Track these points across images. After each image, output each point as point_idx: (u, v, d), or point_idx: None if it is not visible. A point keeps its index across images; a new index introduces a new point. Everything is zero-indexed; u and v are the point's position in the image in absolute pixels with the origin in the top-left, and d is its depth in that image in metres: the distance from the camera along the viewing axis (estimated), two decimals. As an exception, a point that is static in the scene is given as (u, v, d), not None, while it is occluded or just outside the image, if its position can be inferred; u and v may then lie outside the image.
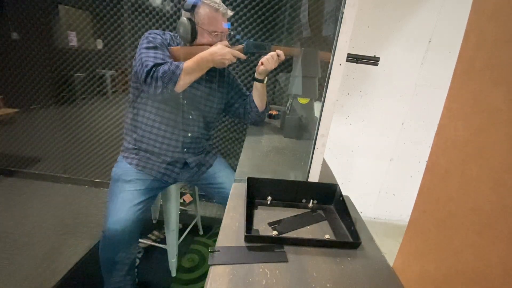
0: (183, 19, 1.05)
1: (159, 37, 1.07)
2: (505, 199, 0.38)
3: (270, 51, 1.11)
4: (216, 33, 1.08)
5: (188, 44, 1.11)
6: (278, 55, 1.11)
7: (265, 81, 1.21)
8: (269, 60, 1.10)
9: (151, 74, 0.96)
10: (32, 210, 1.82)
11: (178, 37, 1.14)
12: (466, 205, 0.46)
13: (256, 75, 1.19)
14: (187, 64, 0.99)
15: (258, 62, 1.15)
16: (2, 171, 2.19)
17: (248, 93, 1.33)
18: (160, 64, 0.98)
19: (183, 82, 1.00)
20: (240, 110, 1.31)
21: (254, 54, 1.14)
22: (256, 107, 1.26)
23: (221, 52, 1.02)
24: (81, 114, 2.02)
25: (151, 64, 0.97)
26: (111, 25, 1.78)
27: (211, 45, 1.06)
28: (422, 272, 0.56)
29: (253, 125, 1.43)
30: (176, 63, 0.99)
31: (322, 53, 1.17)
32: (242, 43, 1.12)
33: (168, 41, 1.10)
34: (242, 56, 1.10)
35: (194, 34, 1.06)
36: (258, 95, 1.23)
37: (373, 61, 1.10)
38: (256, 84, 1.21)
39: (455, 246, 0.47)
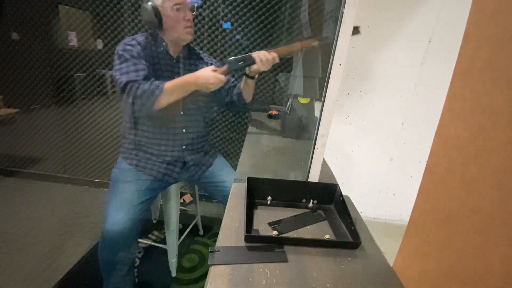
0: (144, 4, 1.02)
1: (128, 47, 1.03)
2: (505, 199, 0.38)
3: (251, 61, 1.06)
4: (177, 5, 1.03)
5: (157, 29, 1.08)
6: (273, 58, 1.07)
7: (255, 77, 1.18)
8: (263, 62, 1.06)
9: (127, 90, 0.96)
10: (32, 210, 1.82)
11: (151, 35, 1.11)
12: (466, 205, 0.46)
13: (247, 71, 1.14)
14: (169, 85, 0.97)
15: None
16: (2, 171, 2.19)
17: (234, 82, 1.30)
18: (134, 81, 0.97)
19: (162, 103, 0.98)
20: (226, 99, 1.28)
21: (241, 70, 1.11)
22: (244, 100, 1.24)
23: (205, 75, 0.99)
24: (81, 114, 2.02)
25: (124, 80, 0.96)
26: (111, 25, 1.78)
27: (177, 26, 1.04)
28: (422, 272, 0.56)
29: (236, 113, 1.39)
30: (157, 82, 0.97)
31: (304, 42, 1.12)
32: (226, 62, 1.07)
33: (142, 45, 1.06)
34: (224, 78, 1.04)
35: (158, 15, 1.03)
36: (247, 89, 1.20)
37: (354, 30, 1.05)
38: (246, 80, 1.17)
39: (456, 246, 0.47)
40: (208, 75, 0.99)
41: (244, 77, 1.18)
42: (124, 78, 0.97)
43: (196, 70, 1.20)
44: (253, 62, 1.05)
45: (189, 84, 1.00)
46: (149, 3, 1.02)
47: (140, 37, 1.09)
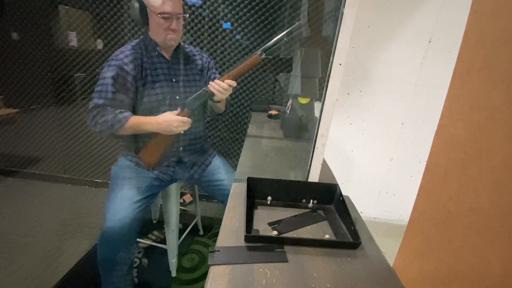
0: (133, 2, 1.02)
1: (117, 64, 1.03)
2: (504, 199, 0.38)
3: (209, 93, 1.05)
4: (165, 15, 1.01)
5: (143, 27, 1.09)
6: (228, 85, 1.05)
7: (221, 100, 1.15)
8: (221, 92, 1.04)
9: (93, 114, 1.00)
10: (32, 210, 1.82)
11: (145, 39, 1.11)
12: (465, 205, 0.46)
13: (213, 99, 1.11)
14: (130, 123, 1.01)
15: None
16: (2, 171, 2.19)
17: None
18: (103, 105, 1.01)
19: (120, 133, 1.03)
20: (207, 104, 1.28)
21: (200, 106, 1.10)
22: (215, 112, 1.26)
23: (167, 119, 1.02)
24: (81, 114, 2.02)
25: (94, 101, 1.01)
26: (111, 25, 1.78)
27: (162, 31, 1.04)
28: (422, 272, 0.56)
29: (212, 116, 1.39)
30: (120, 116, 1.00)
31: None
32: (185, 105, 1.06)
33: (134, 52, 1.06)
34: (189, 120, 1.05)
35: (144, 16, 1.02)
36: (217, 108, 1.21)
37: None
38: (213, 104, 1.17)
39: (455, 246, 0.47)
40: (171, 119, 1.02)
41: (211, 102, 1.17)
42: (95, 100, 1.01)
43: (190, 70, 1.20)
44: (211, 95, 1.05)
45: (151, 126, 1.03)
46: (138, 3, 1.01)
47: (131, 46, 1.09)
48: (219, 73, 1.34)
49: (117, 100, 1.03)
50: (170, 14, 1.02)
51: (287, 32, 1.02)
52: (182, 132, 1.17)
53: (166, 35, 1.06)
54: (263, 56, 1.03)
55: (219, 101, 1.12)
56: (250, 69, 1.05)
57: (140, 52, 1.08)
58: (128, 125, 1.01)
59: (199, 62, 1.25)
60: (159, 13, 1.01)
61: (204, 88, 1.06)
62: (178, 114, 1.05)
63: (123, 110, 1.03)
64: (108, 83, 1.01)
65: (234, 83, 1.05)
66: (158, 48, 1.11)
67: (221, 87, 1.03)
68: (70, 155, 2.13)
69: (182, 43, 1.20)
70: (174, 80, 1.15)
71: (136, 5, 1.01)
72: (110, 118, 0.99)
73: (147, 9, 1.02)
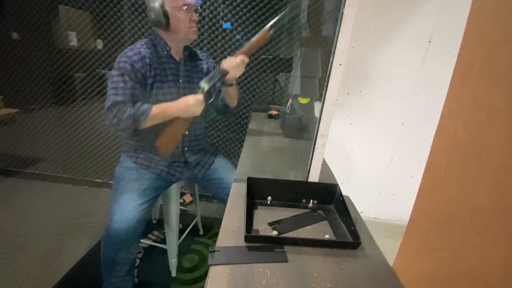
0: (152, 3, 1.03)
1: (128, 66, 1.03)
2: (504, 199, 0.38)
3: (222, 71, 1.04)
4: (186, 5, 1.05)
5: (163, 30, 1.08)
6: (241, 60, 1.04)
7: (233, 84, 1.14)
8: (235, 69, 1.04)
9: (113, 111, 0.98)
10: (32, 210, 1.82)
11: (146, 45, 1.11)
12: (465, 205, 0.46)
13: (223, 81, 1.10)
14: (154, 112, 1.00)
15: (256, 62, 1.11)
16: (2, 171, 2.19)
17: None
18: (122, 102, 0.99)
19: (146, 125, 1.02)
20: (215, 103, 1.27)
21: (214, 86, 1.09)
22: (227, 105, 1.23)
23: (184, 100, 1.02)
24: (81, 114, 2.02)
25: (112, 99, 0.99)
26: (111, 25, 1.78)
27: (184, 24, 1.06)
28: (422, 272, 0.56)
29: (222, 115, 1.37)
30: (143, 108, 0.99)
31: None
32: (199, 87, 1.05)
33: (143, 53, 1.06)
34: (202, 101, 1.04)
35: (165, 15, 1.04)
36: (230, 96, 1.19)
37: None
38: (225, 89, 1.15)
39: (455, 246, 0.47)
40: (187, 98, 1.02)
41: (223, 88, 1.16)
42: (112, 97, 0.99)
43: (196, 72, 1.21)
44: (224, 73, 1.05)
45: (173, 110, 1.02)
46: (157, 3, 1.02)
47: (140, 45, 1.09)
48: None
49: (134, 95, 1.03)
50: (191, 5, 1.06)
51: (291, 8, 1.03)
52: (187, 133, 1.17)
53: (189, 28, 1.08)
54: (271, 32, 1.02)
55: (231, 85, 1.12)
56: (260, 45, 1.05)
57: (149, 51, 1.09)
58: (152, 114, 1.00)
59: (205, 65, 1.26)
60: (184, 5, 1.04)
61: (217, 67, 1.06)
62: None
63: (142, 103, 1.03)
64: (120, 80, 1.02)
65: (246, 59, 1.05)
66: (168, 48, 1.12)
67: (234, 62, 1.03)
68: (70, 155, 2.13)
69: (190, 45, 1.21)
70: (181, 81, 1.15)
71: (157, 5, 1.02)
72: (134, 112, 0.98)
73: (168, 8, 1.04)
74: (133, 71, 1.03)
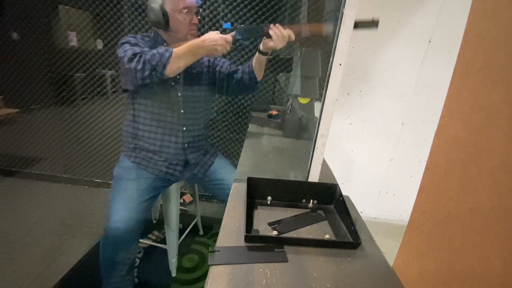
0: (151, 4, 1.03)
1: (132, 38, 1.06)
2: (504, 199, 0.38)
3: (264, 33, 1.02)
4: (186, 8, 1.05)
5: (162, 30, 1.09)
6: (288, 34, 1.01)
7: (268, 54, 1.13)
8: (278, 38, 1.00)
9: (136, 58, 0.94)
10: (32, 210, 1.82)
11: (147, 37, 1.13)
12: (465, 205, 0.46)
13: (261, 48, 1.09)
14: (177, 49, 0.97)
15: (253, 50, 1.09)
16: (2, 171, 2.19)
17: (234, 66, 1.27)
18: (142, 52, 0.97)
19: (174, 66, 0.96)
20: (231, 82, 1.25)
21: (248, 39, 1.09)
22: (255, 77, 1.20)
23: (212, 38, 0.98)
24: (81, 114, 2.01)
25: (131, 52, 0.96)
26: (111, 25, 1.77)
27: (185, 29, 1.06)
28: (421, 272, 0.56)
29: (245, 94, 1.34)
30: (165, 47, 0.97)
31: (311, 25, 1.06)
32: (235, 29, 1.04)
33: (144, 43, 1.09)
34: (231, 39, 1.02)
35: (165, 16, 1.04)
36: (259, 66, 1.17)
37: (372, 24, 1.00)
38: (258, 56, 1.13)
39: (455, 246, 0.47)
40: (215, 37, 0.98)
41: (257, 53, 1.13)
42: (130, 51, 0.97)
43: (195, 70, 1.20)
44: (263, 35, 1.01)
45: (197, 47, 0.98)
46: (157, 4, 1.02)
47: (141, 37, 1.10)
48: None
49: (144, 49, 1.01)
50: (191, 8, 1.06)
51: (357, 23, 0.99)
52: (185, 129, 1.17)
53: (188, 30, 1.08)
54: (327, 31, 0.96)
55: (266, 53, 1.09)
56: (311, 33, 1.01)
57: (148, 42, 1.10)
58: (177, 50, 0.96)
59: (205, 58, 1.24)
60: (184, 7, 1.04)
61: (262, 25, 1.02)
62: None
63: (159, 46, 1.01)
64: (132, 42, 1.02)
65: (293, 36, 1.01)
66: (165, 45, 1.12)
67: (281, 32, 0.99)
68: (70, 155, 2.13)
69: None
70: (179, 77, 1.15)
71: (157, 6, 1.02)
72: (156, 51, 0.94)
73: (168, 9, 1.04)
74: (139, 41, 1.05)
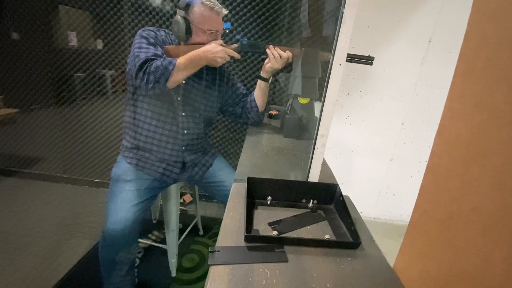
0: (178, 17, 1.05)
1: (153, 33, 1.07)
2: (507, 199, 0.38)
3: (264, 50, 1.09)
4: (211, 31, 1.07)
5: (183, 42, 1.11)
6: (288, 56, 1.10)
7: (269, 81, 1.20)
8: (277, 60, 1.09)
9: (143, 69, 0.97)
10: (32, 210, 1.82)
11: (172, 35, 1.14)
12: (468, 205, 0.46)
13: (261, 73, 1.18)
14: (180, 60, 0.99)
15: (256, 62, 1.14)
16: (2, 171, 2.19)
17: (246, 92, 1.33)
18: (152, 59, 0.98)
19: (175, 79, 1.00)
20: (237, 110, 1.31)
21: (247, 53, 1.13)
22: (256, 106, 1.26)
23: (214, 50, 1.02)
24: (81, 114, 2.01)
25: (143, 58, 0.97)
26: (111, 25, 1.77)
27: (205, 43, 1.07)
28: (423, 273, 0.56)
29: (251, 125, 1.43)
30: (169, 59, 0.99)
31: (321, 53, 1.15)
32: (239, 41, 1.11)
33: (163, 37, 1.11)
34: (236, 55, 1.08)
35: (189, 32, 1.06)
36: (261, 94, 1.22)
37: (368, 60, 1.06)
38: (260, 83, 1.20)
39: (457, 247, 0.47)
40: (217, 49, 1.02)
41: (258, 80, 1.19)
42: (143, 54, 0.99)
43: (205, 71, 1.21)
44: (263, 52, 1.06)
45: (199, 58, 1.02)
46: (184, 20, 1.04)
47: (162, 32, 1.12)
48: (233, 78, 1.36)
49: (157, 55, 1.03)
50: (217, 31, 1.08)
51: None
52: (186, 132, 1.17)
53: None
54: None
55: (267, 80, 1.15)
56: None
57: (160, 37, 1.11)
58: (179, 62, 0.99)
59: (221, 72, 1.27)
60: (208, 30, 1.06)
61: (263, 43, 1.07)
62: (224, 46, 1.06)
63: (164, 56, 1.03)
64: (144, 42, 1.03)
65: (291, 57, 1.08)
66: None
67: (279, 54, 1.05)
68: (70, 155, 2.12)
69: None
70: (187, 80, 1.15)
71: (182, 21, 1.04)
72: (160, 62, 0.97)
73: (192, 25, 1.06)
74: (156, 39, 1.07)
